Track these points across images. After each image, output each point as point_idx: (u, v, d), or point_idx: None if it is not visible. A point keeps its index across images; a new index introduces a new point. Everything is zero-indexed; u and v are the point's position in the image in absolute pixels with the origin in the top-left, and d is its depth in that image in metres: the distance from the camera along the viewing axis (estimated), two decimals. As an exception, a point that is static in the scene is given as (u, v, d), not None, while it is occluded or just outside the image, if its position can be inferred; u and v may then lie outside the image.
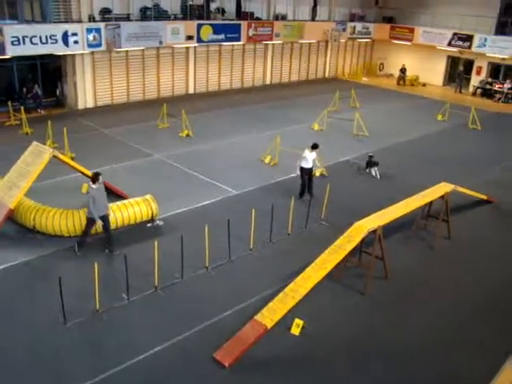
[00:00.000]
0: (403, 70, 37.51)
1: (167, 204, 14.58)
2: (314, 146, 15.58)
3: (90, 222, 12.15)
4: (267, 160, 18.98)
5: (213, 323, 10.02)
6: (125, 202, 13.75)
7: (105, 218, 12.26)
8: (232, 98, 30.77)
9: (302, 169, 15.45)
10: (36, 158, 13.35)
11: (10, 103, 24.04)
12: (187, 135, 22.07)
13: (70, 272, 11.42)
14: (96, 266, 9.83)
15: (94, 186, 11.97)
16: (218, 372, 8.76)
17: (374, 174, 18.08)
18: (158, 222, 13.88)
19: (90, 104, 27.61)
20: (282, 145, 19.11)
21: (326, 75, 39.36)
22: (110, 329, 9.81)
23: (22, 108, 23.23)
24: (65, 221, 12.64)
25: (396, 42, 38.33)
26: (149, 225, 13.74)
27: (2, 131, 22.90)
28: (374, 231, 11.20)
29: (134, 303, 10.52)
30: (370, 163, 18.35)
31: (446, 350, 9.69)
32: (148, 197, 13.82)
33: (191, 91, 31.48)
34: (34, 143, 13.96)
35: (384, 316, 10.59)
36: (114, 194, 14.93)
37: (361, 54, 41.34)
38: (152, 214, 13.71)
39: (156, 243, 10.67)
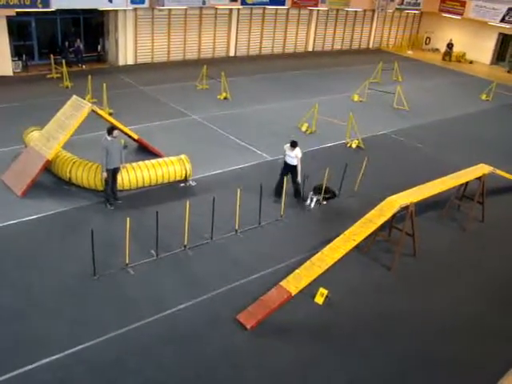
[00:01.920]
0: (450, 46, 36.37)
1: (201, 165, 14.65)
2: (293, 144, 13.13)
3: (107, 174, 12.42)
4: (304, 128, 18.82)
5: (238, 286, 10.14)
6: (159, 160, 13.87)
7: (116, 171, 12.52)
8: (272, 63, 30.42)
9: (284, 164, 13.44)
10: (75, 111, 13.51)
11: (52, 56, 24.27)
12: (225, 98, 22.01)
13: (102, 225, 11.65)
14: (128, 221, 10.00)
15: (108, 138, 12.15)
16: (240, 333, 8.90)
17: (310, 202, 13.46)
18: (190, 182, 14.00)
19: (131, 61, 27.68)
20: (320, 113, 18.90)
21: (370, 46, 38.49)
22: (137, 283, 10.03)
23: (64, 61, 23.46)
24: (99, 175, 12.83)
25: (445, 15, 37.04)
26: (182, 185, 13.87)
27: (43, 83, 23.21)
28: (406, 207, 11.07)
29: (162, 260, 10.70)
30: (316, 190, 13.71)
31: (465, 335, 9.61)
32: (182, 157, 13.91)
33: (232, 54, 31.24)
34: (74, 97, 14.11)
35: (408, 293, 10.54)
36: (149, 152, 15.09)
37: (407, 26, 40.15)
38: (185, 174, 13.82)
39: (188, 203, 10.77)
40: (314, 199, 13.35)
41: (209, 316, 9.29)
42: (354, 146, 17.53)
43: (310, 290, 9.88)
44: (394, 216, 11.23)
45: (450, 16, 36.83)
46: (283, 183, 12.68)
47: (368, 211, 11.33)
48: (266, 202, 12.33)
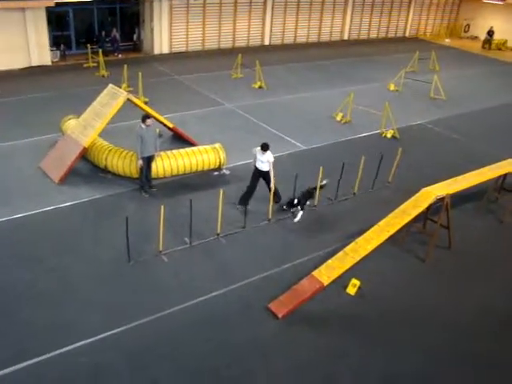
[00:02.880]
0: (490, 33, 35.41)
1: (235, 154, 14.69)
2: (264, 147, 11.73)
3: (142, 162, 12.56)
4: (339, 117, 18.66)
5: (270, 275, 10.16)
6: (194, 148, 13.96)
7: (151, 159, 12.64)
8: (307, 52, 30.24)
9: (255, 169, 12.16)
10: (111, 100, 13.69)
11: (89, 46, 24.62)
12: (260, 87, 21.98)
13: (136, 213, 11.82)
14: (162, 208, 10.12)
15: (143, 126, 12.26)
16: (271, 322, 8.93)
17: (297, 215, 12.18)
18: (224, 171, 14.06)
19: (166, 50, 27.86)
20: (355, 103, 18.71)
21: (407, 34, 37.82)
22: (170, 270, 10.16)
23: (100, 51, 23.76)
24: (135, 163, 12.98)
25: (486, 1, 35.96)
26: (215, 173, 13.94)
27: (80, 73, 23.58)
28: (442, 199, 10.90)
29: (195, 248, 10.80)
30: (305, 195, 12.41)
31: (500, 330, 9.39)
32: (217, 145, 13.97)
33: (266, 42, 31.15)
34: (110, 86, 14.30)
35: (442, 286, 10.37)
36: (183, 141, 15.21)
37: (446, 14, 39.32)
38: (219, 162, 13.88)
39: (221, 191, 10.83)
40: (299, 213, 12.05)
41: (240, 304, 9.35)
42: (388, 136, 17.31)
43: (342, 281, 9.84)
44: (429, 207, 11.07)
45: (490, 2, 35.76)
46: (253, 191, 11.95)
47: (402, 202, 11.20)
48: (300, 192, 12.28)
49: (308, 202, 12.35)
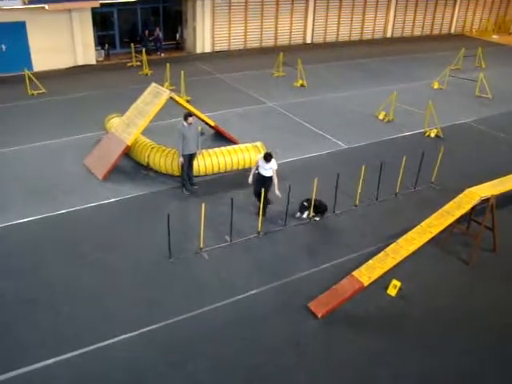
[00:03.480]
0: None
1: (276, 152, 14.65)
2: (267, 158, 11.32)
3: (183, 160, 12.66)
4: (381, 116, 18.43)
5: (310, 274, 10.12)
6: (235, 147, 14.03)
7: (192, 157, 12.75)
8: (350, 50, 29.98)
9: (258, 175, 11.74)
10: (154, 98, 13.88)
11: (132, 45, 25.02)
12: (301, 85, 21.92)
13: (178, 210, 11.96)
14: (203, 206, 10.20)
15: (184, 124, 12.36)
16: (310, 321, 8.89)
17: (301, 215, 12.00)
18: (265, 169, 14.06)
19: (208, 49, 28.08)
20: (398, 101, 18.44)
21: (452, 31, 37.04)
22: (210, 267, 10.24)
23: (144, 50, 24.14)
24: (176, 161, 13.13)
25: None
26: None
27: (123, 72, 24.01)
28: (487, 200, 10.62)
29: (235, 245, 10.85)
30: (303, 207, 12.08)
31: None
32: (258, 144, 13.99)
33: (308, 41, 31.03)
34: (153, 84, 14.50)
35: (485, 289, 10.09)
36: (225, 139, 15.30)
37: (494, 9, 38.31)
38: (260, 161, 13.89)
39: (262, 190, 10.84)
40: (305, 214, 11.88)
41: (280, 303, 9.34)
42: (432, 135, 16.99)
43: (382, 281, 9.71)
44: (473, 208, 10.81)
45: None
46: (260, 196, 11.34)
47: (446, 203, 10.97)
48: (341, 191, 12.18)
49: (305, 214, 11.87)
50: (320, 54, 28.51)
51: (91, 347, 8.23)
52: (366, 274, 9.63)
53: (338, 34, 32.06)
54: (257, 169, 11.71)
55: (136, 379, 7.73)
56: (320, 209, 11.90)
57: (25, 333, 8.53)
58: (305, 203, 11.81)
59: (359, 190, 12.37)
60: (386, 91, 20.09)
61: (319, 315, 8.96)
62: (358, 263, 10.13)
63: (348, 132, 17.01)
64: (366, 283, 9.48)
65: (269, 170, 11.43)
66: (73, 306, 9.13)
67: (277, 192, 11.39)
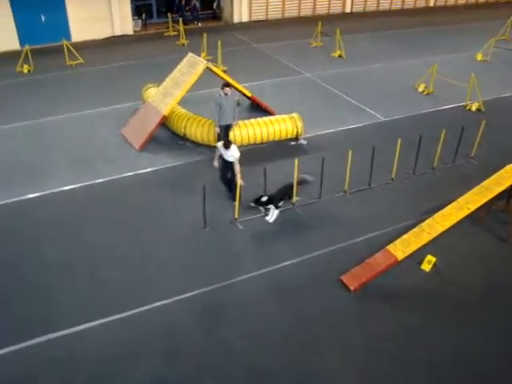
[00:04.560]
0: None
1: (312, 124, 14.56)
2: (227, 145, 10.72)
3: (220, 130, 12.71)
4: (421, 88, 18.02)
5: (344, 246, 10.10)
6: (271, 117, 13.97)
7: (228, 128, 12.75)
8: (390, 19, 29.24)
9: (222, 160, 11.23)
10: (191, 68, 13.87)
11: (169, 15, 24.97)
12: (339, 56, 21.56)
13: (213, 180, 11.99)
14: (239, 177, 10.23)
15: (221, 94, 12.36)
16: (343, 294, 8.91)
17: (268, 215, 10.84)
18: (301, 140, 14.00)
19: (245, 18, 27.82)
20: (438, 73, 17.97)
21: (499, -1, 35.63)
22: (245, 238, 10.34)
23: (181, 20, 24.07)
24: (213, 131, 13.15)
25: None
26: (292, 143, 13.92)
27: (160, 41, 24.03)
28: (529, 176, 10.36)
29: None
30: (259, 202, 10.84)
31: None
32: (294, 115, 13.90)
33: (348, 10, 30.42)
34: (190, 54, 14.48)
35: (525, 266, 9.95)
36: (261, 110, 15.24)
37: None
38: (297, 132, 13.82)
39: (296, 161, 10.81)
40: (274, 212, 10.74)
41: (313, 274, 9.37)
42: (473, 108, 16.55)
43: (417, 257, 9.61)
44: (513, 185, 10.56)
45: None
46: (231, 182, 11.10)
47: (485, 179, 10.74)
48: (378, 164, 12.03)
49: (281, 202, 10.85)
50: (359, 23, 27.91)
51: (128, 313, 8.46)
52: (401, 249, 9.55)
53: (378, 3, 31.26)
54: (221, 155, 11.04)
55: (171, 345, 7.92)
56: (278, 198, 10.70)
57: (64, 296, 8.82)
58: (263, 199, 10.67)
59: (396, 164, 12.20)
60: (427, 63, 19.60)
61: (352, 288, 8.96)
62: (393, 237, 10.04)
63: (386, 104, 16.72)
64: (400, 258, 9.41)
65: (231, 156, 10.83)
66: (111, 272, 9.38)
67: (239, 181, 10.67)
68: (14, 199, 11.60)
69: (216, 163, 11.33)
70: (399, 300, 8.94)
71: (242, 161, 12.68)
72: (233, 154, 10.80)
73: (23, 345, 7.90)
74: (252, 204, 10.78)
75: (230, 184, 11.28)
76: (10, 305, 8.69)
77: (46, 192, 11.85)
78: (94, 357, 7.72)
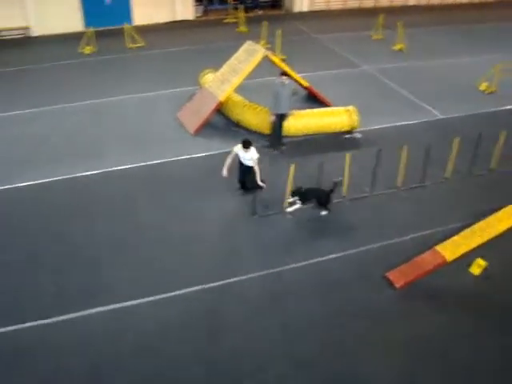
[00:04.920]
0: None
1: (368, 118, 14.38)
2: (246, 145, 10.41)
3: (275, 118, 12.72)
4: (483, 87, 17.46)
5: (392, 243, 9.99)
6: (327, 109, 13.92)
7: (283, 117, 12.71)
8: (456, 13, 28.34)
9: (239, 163, 10.94)
10: (249, 56, 13.93)
11: (230, 1, 25.06)
12: (400, 49, 21.13)
13: (264, 168, 11.96)
14: (291, 167, 10.26)
15: (278, 83, 12.41)
16: (387, 291, 8.83)
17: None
18: (356, 134, 13.87)
19: (306, 8, 27.63)
20: (504, 72, 17.36)
21: None
22: (293, 228, 10.39)
23: (241, 7, 24.10)
24: (267, 119, 13.19)
25: None
26: (346, 136, 13.81)
27: (220, 28, 24.19)
28: None
29: (319, 209, 10.87)
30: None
31: None
32: (350, 108, 13.77)
33: (411, 2, 29.66)
34: (249, 42, 14.55)
35: None
36: (317, 101, 15.16)
37: None
38: (352, 125, 13.70)
39: (350, 154, 10.72)
40: (296, 206, 10.61)
41: (358, 269, 9.33)
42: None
43: (466, 259, 9.40)
44: None
45: None
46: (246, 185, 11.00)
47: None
48: (432, 162, 11.78)
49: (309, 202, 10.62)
50: (423, 16, 27.19)
51: (174, 293, 8.68)
52: (450, 250, 9.38)
53: (445, -4, 30.28)
54: (239, 159, 10.71)
55: (213, 328, 8.08)
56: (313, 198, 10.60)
57: (113, 272, 9.17)
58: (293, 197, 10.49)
59: (452, 163, 11.93)
60: (492, 60, 18.90)
61: (397, 286, 8.88)
62: (443, 237, 9.86)
63: (445, 101, 16.30)
64: (448, 259, 9.25)
65: (250, 159, 10.52)
66: (160, 252, 9.64)
67: (260, 183, 10.66)
68: (71, 175, 12.08)
69: (226, 172, 10.72)
70: (444, 302, 8.79)
71: (294, 151, 12.71)
72: (252, 157, 10.45)
73: (71, 315, 8.25)
74: (290, 197, 10.48)
75: (248, 190, 10.99)
76: (62, 276, 9.08)
77: (102, 170, 12.24)
78: (138, 332, 7.98)
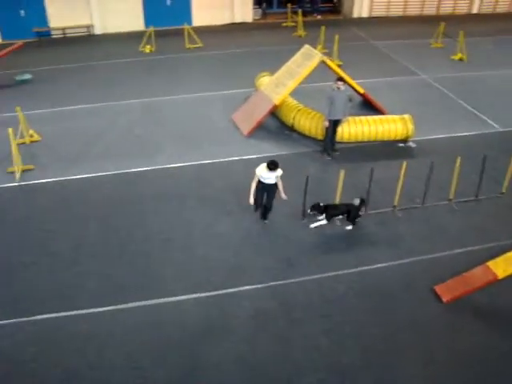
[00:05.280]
0: None
1: (423, 127, 14.14)
2: (272, 166, 9.82)
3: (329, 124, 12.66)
4: (544, 101, 16.89)
5: (441, 256, 9.79)
6: (381, 117, 13.77)
7: (337, 123, 12.66)
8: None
9: (260, 183, 10.17)
10: (306, 60, 13.94)
11: (289, 5, 25.14)
12: (460, 59, 20.65)
13: (316, 173, 12.07)
14: (342, 173, 10.21)
15: (334, 89, 12.36)
16: (434, 305, 8.67)
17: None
18: (410, 143, 13.67)
19: (365, 14, 27.41)
20: None
21: None
22: (339, 235, 10.35)
23: (300, 11, 24.15)
24: (321, 124, 13.15)
25: None
26: (400, 144, 13.63)
27: (277, 31, 24.30)
28: None
29: (369, 216, 10.78)
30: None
31: None
32: (406, 116, 13.58)
33: (475, 10, 28.89)
34: (306, 46, 14.56)
35: None
36: (372, 108, 15.03)
37: None
38: (406, 134, 13.51)
39: (404, 164, 10.59)
40: (320, 222, 10.38)
41: (406, 280, 9.20)
42: None
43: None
44: None
45: None
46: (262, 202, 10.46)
47: None
48: (488, 176, 11.48)
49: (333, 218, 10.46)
50: (487, 25, 26.42)
51: (218, 292, 8.80)
52: (502, 267, 9.07)
53: (511, 4, 29.30)
54: (259, 182, 10.11)
55: (257, 329, 8.16)
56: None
57: (160, 267, 9.39)
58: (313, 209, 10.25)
59: (509, 178, 11.59)
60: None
61: (444, 300, 8.70)
62: (495, 254, 9.53)
63: (506, 114, 15.82)
64: (500, 276, 8.94)
65: (273, 178, 10.05)
66: (207, 249, 9.79)
67: (283, 196, 10.28)
68: (123, 170, 12.45)
69: (252, 199, 10.16)
70: (492, 320, 8.55)
71: (347, 158, 12.65)
72: (277, 175, 10.02)
73: (119, 307, 8.50)
74: (309, 211, 10.30)
75: (265, 209, 10.56)
76: (112, 268, 9.35)
77: (154, 167, 12.54)
78: (180, 328, 8.13)
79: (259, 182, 10.10)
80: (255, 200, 10.21)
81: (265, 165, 9.85)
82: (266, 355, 7.69)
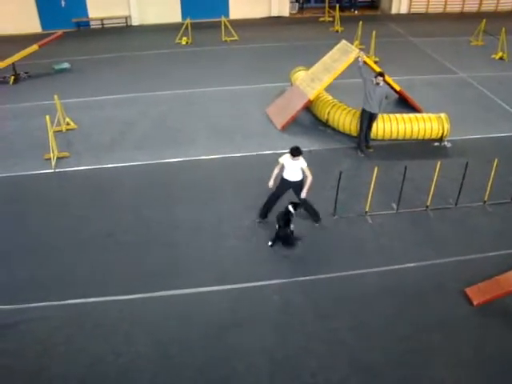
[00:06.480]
0: None
1: (460, 127, 13.90)
2: (295, 152, 9.36)
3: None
4: None
5: (473, 259, 9.62)
6: (417, 115, 13.59)
7: (372, 118, 12.57)
8: None
9: (282, 180, 9.87)
10: (342, 55, 13.83)
11: (327, 0, 24.96)
12: (501, 58, 20.18)
13: (349, 170, 12.00)
14: (375, 170, 10.13)
15: (373, 81, 12.30)
16: (464, 307, 8.53)
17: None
18: (446, 142, 13.46)
19: (404, 10, 27.03)
20: None
21: None
22: (372, 232, 10.25)
23: (337, 6, 23.99)
24: (356, 120, 13.07)
25: None
26: (435, 144, 13.43)
27: (315, 26, 24.18)
28: None
29: (401, 215, 10.66)
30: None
31: None
32: (442, 115, 13.36)
33: (519, 8, 28.12)
34: (343, 41, 14.45)
35: None
36: (408, 106, 14.84)
37: None
38: (442, 133, 13.30)
39: (439, 163, 10.43)
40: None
41: (436, 282, 9.07)
42: None
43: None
44: None
45: None
46: (272, 206, 10.14)
47: None
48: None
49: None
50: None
51: (248, 284, 8.85)
52: (537, 272, 8.92)
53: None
54: (282, 177, 9.77)
55: (284, 322, 8.17)
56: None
57: (190, 257, 9.50)
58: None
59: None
60: None
61: (475, 303, 8.56)
62: (531, 258, 9.41)
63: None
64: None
65: (297, 171, 9.59)
66: (236, 241, 9.85)
67: (303, 194, 9.69)
68: (156, 160, 12.61)
69: (272, 183, 9.88)
70: (525, 325, 8.39)
71: (381, 155, 12.51)
72: (301, 166, 9.55)
73: (147, 295, 8.63)
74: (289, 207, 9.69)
75: (269, 206, 10.13)
76: (141, 256, 9.50)
77: (187, 158, 12.66)
78: (208, 318, 8.20)
79: (281, 180, 9.83)
80: (265, 204, 10.14)
81: (288, 153, 9.52)
82: (292, 348, 7.71)
